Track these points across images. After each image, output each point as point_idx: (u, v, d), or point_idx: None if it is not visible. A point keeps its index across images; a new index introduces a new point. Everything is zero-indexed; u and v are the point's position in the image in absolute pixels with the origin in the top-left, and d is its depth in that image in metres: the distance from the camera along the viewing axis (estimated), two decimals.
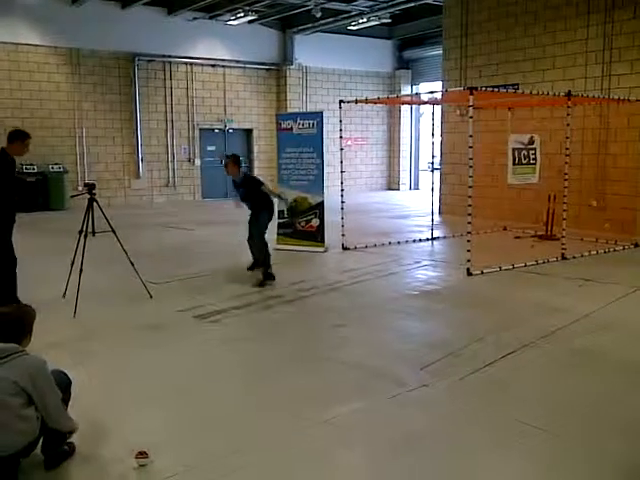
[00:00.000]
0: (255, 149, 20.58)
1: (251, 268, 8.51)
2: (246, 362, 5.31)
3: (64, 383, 3.63)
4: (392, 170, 23.48)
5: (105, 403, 4.33)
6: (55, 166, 16.36)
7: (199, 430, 3.99)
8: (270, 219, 8.46)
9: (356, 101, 11.01)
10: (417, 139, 23.79)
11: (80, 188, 6.94)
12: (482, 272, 8.39)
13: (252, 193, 8.27)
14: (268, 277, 8.07)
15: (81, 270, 6.56)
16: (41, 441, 3.48)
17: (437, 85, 17.91)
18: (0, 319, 3.50)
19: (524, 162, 9.58)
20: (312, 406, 4.33)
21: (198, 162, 19.58)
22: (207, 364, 5.24)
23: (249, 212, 8.44)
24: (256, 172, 20.58)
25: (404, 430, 4.00)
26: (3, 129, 15.91)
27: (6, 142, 6.37)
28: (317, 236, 10.35)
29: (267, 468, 3.58)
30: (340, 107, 10.52)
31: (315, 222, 10.32)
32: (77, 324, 6.28)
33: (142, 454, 3.52)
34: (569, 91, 9.55)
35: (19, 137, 6.38)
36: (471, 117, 8.29)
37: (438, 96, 11.41)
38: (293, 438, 3.89)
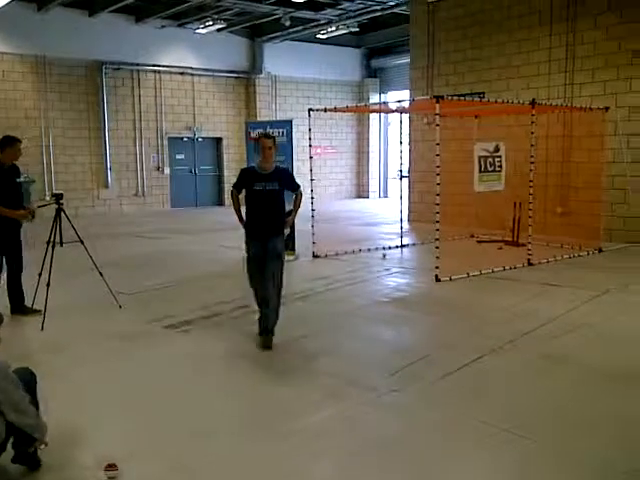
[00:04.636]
0: (225, 158, 20.51)
1: (264, 332, 5.84)
2: (216, 373, 5.29)
3: (29, 381, 3.58)
4: (361, 178, 23.62)
5: (73, 415, 4.28)
6: (21, 176, 16.04)
7: (168, 442, 3.96)
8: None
9: (325, 109, 11.07)
10: (386, 147, 23.96)
11: (47, 198, 6.81)
12: (450, 278, 8.49)
13: (280, 195, 6.07)
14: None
15: (49, 281, 6.48)
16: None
17: (405, 94, 18.10)
18: None
19: (490, 169, 9.75)
20: (283, 416, 4.34)
21: (167, 171, 19.46)
22: (177, 375, 5.20)
23: (254, 229, 6.16)
24: (226, 181, 20.52)
25: (375, 436, 4.03)
26: None
27: None
28: (287, 244, 10.33)
29: None
30: (309, 115, 10.57)
31: (285, 230, 10.30)
32: (45, 336, 6.19)
33: (111, 466, 3.49)
34: (533, 99, 9.75)
35: (6, 144, 6.52)
36: (437, 125, 8.41)
37: (406, 105, 11.54)
38: (264, 449, 3.88)
